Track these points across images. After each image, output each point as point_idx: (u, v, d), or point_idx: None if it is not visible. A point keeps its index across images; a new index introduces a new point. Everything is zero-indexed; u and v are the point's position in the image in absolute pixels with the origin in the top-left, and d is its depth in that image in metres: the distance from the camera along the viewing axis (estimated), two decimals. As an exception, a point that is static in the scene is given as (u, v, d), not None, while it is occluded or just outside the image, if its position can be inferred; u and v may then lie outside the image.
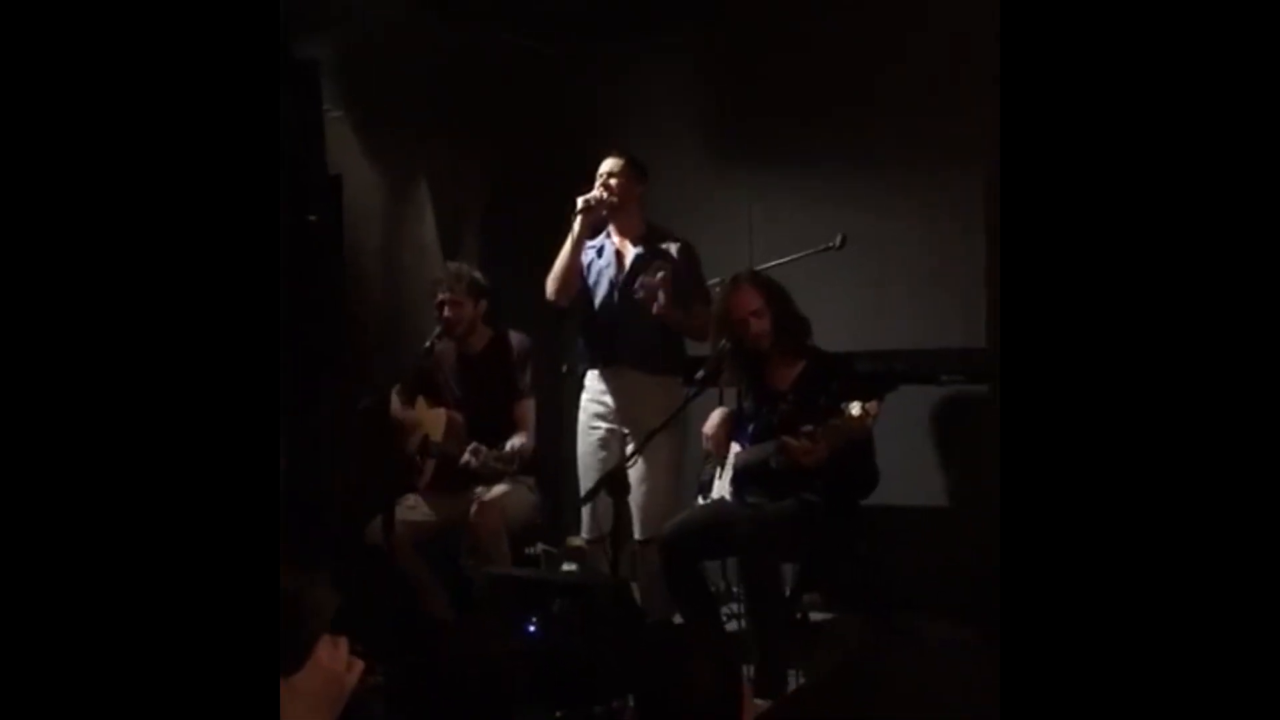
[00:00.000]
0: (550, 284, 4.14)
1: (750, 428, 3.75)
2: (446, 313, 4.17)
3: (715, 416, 3.91)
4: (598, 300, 4.14)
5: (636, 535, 3.95)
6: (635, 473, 3.83)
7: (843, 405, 3.31)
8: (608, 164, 4.12)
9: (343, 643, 1.63)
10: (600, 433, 4.12)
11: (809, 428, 3.38)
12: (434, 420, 4.21)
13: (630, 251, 4.11)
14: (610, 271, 4.12)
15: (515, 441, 4.02)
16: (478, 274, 4.26)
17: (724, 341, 3.69)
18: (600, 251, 4.15)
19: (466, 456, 3.90)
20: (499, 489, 4.05)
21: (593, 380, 4.18)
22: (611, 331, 4.11)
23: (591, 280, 4.15)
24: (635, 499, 3.92)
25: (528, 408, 4.21)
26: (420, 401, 4.30)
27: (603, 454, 4.08)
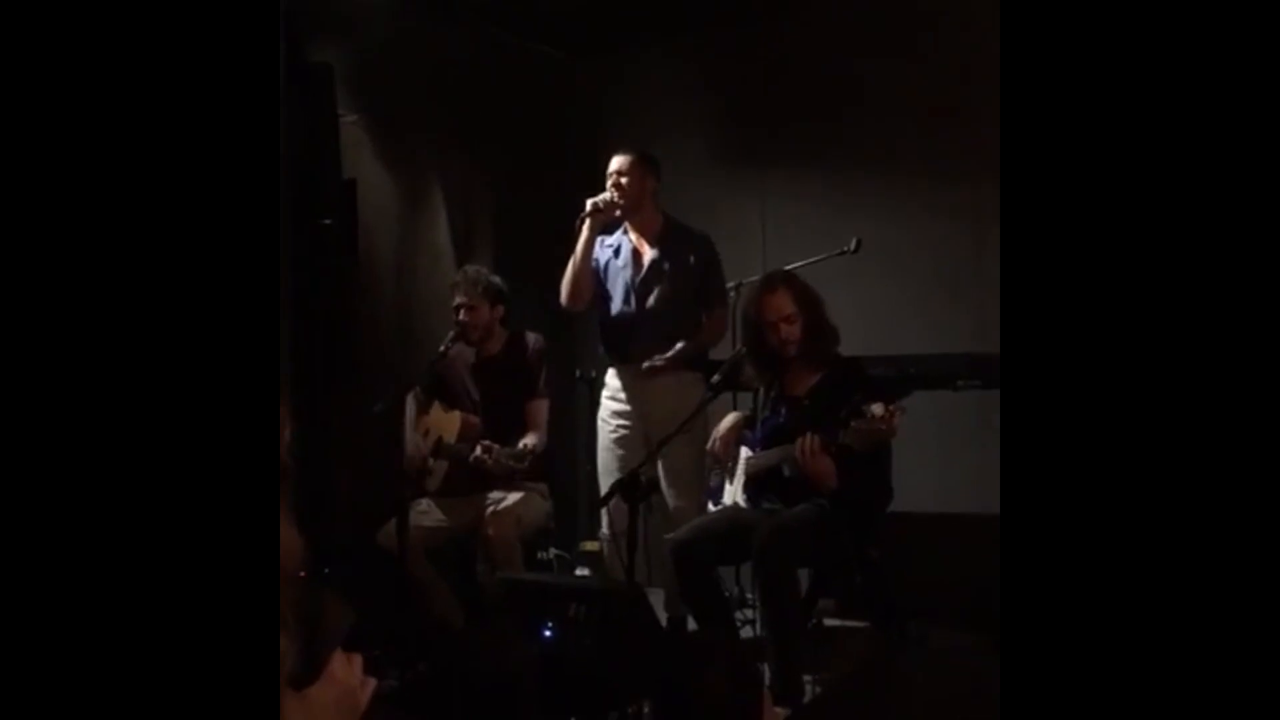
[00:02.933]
0: (563, 290, 4.08)
1: (758, 432, 3.70)
2: (463, 317, 4.15)
3: (726, 421, 3.84)
4: (615, 300, 4.08)
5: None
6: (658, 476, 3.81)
7: (864, 408, 3.22)
8: (616, 161, 3.98)
9: (357, 659, 1.63)
10: (619, 431, 4.08)
11: (816, 439, 3.31)
12: (448, 423, 4.19)
13: (648, 252, 4.05)
14: (627, 272, 4.06)
15: (528, 440, 3.99)
16: (496, 278, 4.23)
17: (740, 346, 3.64)
18: (617, 251, 4.09)
19: (478, 453, 3.86)
20: (512, 498, 4.03)
21: (611, 378, 4.15)
22: (629, 330, 4.06)
23: (609, 280, 4.09)
24: (659, 501, 3.90)
25: (540, 407, 4.18)
26: (436, 405, 4.29)
27: (620, 452, 4.04)
